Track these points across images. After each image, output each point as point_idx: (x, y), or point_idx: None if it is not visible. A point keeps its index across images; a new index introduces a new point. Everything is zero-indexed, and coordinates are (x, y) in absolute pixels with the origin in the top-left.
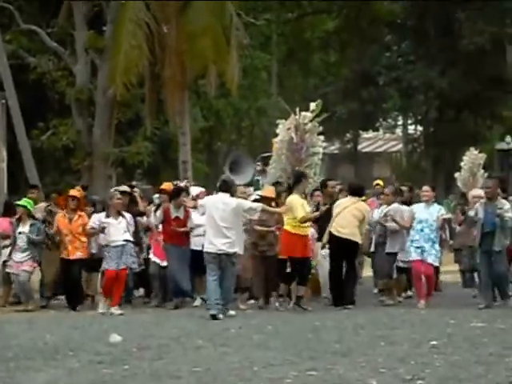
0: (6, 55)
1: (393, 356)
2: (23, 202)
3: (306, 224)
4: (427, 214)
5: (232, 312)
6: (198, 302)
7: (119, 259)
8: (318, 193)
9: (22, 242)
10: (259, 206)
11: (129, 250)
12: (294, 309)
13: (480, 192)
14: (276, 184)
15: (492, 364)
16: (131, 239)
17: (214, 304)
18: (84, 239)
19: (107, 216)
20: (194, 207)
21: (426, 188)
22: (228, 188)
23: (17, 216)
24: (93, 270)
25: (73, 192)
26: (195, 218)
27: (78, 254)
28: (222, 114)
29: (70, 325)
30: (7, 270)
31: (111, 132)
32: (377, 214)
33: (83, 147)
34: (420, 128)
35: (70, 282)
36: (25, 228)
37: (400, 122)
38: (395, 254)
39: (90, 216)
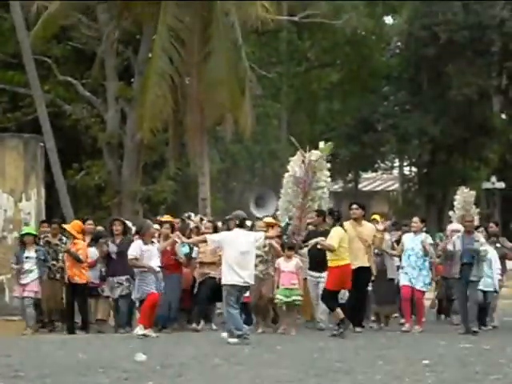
0: (45, 103)
1: (390, 374)
2: (28, 230)
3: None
4: (414, 242)
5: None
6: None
7: (157, 283)
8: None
9: (28, 265)
10: (262, 234)
11: (160, 276)
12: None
13: (458, 226)
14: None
15: (478, 381)
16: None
17: (245, 332)
18: (81, 265)
19: (145, 244)
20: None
21: (415, 219)
22: (244, 223)
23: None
24: (97, 297)
25: (68, 225)
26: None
27: (76, 279)
28: (237, 157)
29: (99, 345)
30: (13, 294)
31: (138, 172)
32: None
33: (113, 186)
34: (414, 169)
35: (68, 306)
36: (31, 253)
37: (396, 164)
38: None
39: (88, 245)
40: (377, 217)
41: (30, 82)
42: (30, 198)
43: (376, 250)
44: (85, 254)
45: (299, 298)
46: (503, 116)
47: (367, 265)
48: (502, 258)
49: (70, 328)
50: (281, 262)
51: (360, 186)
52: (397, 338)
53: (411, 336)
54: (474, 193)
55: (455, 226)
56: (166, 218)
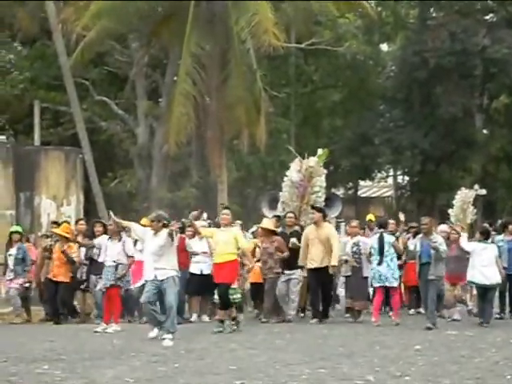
0: (83, 120)
1: (386, 357)
2: (15, 228)
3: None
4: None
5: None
6: (194, 317)
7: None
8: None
9: (11, 262)
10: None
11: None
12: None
13: (445, 227)
14: (276, 217)
15: (463, 363)
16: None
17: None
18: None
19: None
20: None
21: (391, 222)
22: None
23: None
24: (85, 291)
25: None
26: (194, 245)
27: (61, 278)
28: (252, 167)
29: (131, 332)
30: (2, 287)
31: (165, 180)
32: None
33: (143, 192)
34: (407, 178)
35: (56, 300)
36: (13, 251)
37: (391, 173)
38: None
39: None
40: (371, 217)
41: (70, 101)
42: (71, 203)
43: (356, 249)
44: (78, 255)
45: (238, 296)
46: (484, 131)
47: (325, 265)
48: None
49: (57, 320)
50: None
51: (359, 192)
52: (391, 326)
53: (404, 324)
54: (473, 193)
55: (443, 227)
56: (144, 221)
